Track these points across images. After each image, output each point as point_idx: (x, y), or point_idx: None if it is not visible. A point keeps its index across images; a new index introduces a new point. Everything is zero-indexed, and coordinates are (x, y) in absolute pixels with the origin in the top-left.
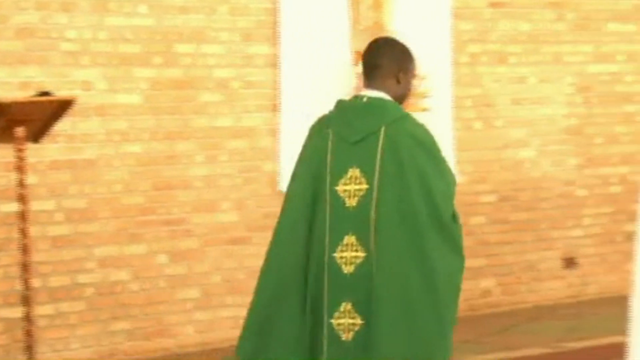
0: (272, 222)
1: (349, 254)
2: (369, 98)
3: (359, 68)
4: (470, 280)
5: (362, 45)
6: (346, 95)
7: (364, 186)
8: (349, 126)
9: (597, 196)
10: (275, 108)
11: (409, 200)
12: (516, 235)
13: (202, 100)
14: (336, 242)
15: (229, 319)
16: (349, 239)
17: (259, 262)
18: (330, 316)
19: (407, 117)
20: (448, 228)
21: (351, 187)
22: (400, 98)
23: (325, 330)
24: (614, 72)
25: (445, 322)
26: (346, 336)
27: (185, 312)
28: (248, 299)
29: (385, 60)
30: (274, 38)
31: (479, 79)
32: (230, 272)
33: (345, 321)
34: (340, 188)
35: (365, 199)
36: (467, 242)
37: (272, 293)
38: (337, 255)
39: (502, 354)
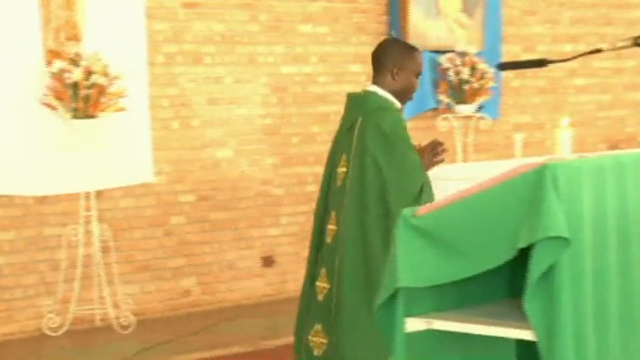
0: None
1: (330, 227)
2: (364, 91)
3: (52, 67)
4: (170, 280)
5: (54, 44)
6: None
7: (344, 169)
8: (344, 116)
9: (294, 195)
10: None
11: (363, 186)
12: (215, 234)
13: None
14: (328, 216)
15: None
16: (332, 214)
17: None
18: (315, 279)
19: (380, 110)
20: (393, 216)
21: (340, 169)
22: (399, 93)
23: (308, 292)
24: (307, 73)
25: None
26: (320, 297)
27: None
28: None
29: (382, 58)
30: None
31: (175, 79)
32: None
33: (322, 285)
34: (337, 170)
35: (344, 181)
36: (167, 242)
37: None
38: (326, 227)
39: (204, 354)
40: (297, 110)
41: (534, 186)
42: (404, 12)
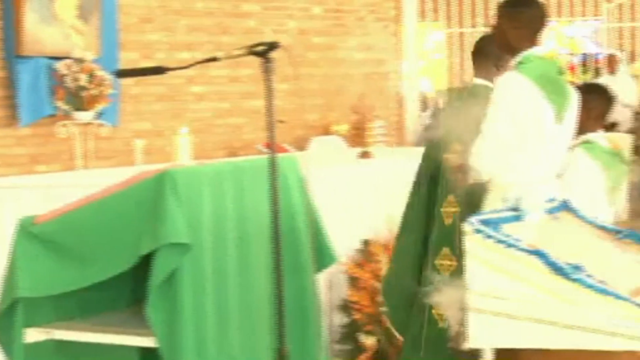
0: None
1: (449, 210)
2: (474, 85)
3: None
4: None
5: None
6: None
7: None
8: (459, 106)
9: None
10: None
11: None
12: None
13: None
14: (442, 201)
15: None
16: (449, 198)
17: None
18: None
19: None
20: None
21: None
22: None
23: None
24: None
25: None
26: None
27: None
28: None
29: (486, 52)
30: None
31: None
32: None
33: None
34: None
35: None
36: None
37: None
38: (441, 211)
39: None
40: None
41: (154, 193)
42: (17, 16)
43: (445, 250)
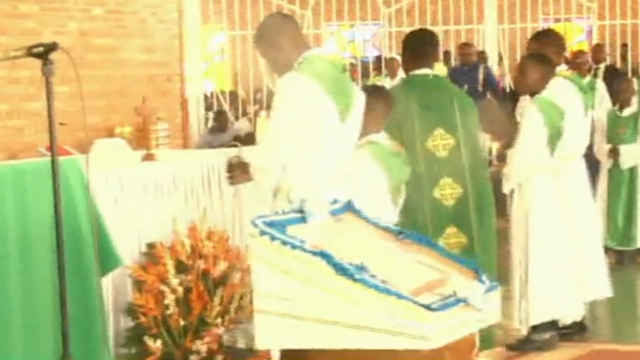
0: None
1: (448, 192)
2: (434, 76)
3: None
4: None
5: None
6: None
7: (448, 141)
8: (431, 95)
9: None
10: None
11: (475, 150)
12: None
13: None
14: (442, 183)
15: None
16: (447, 180)
17: None
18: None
19: (463, 92)
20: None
21: (440, 142)
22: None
23: None
24: None
25: None
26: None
27: None
28: None
29: (432, 47)
30: None
31: None
32: None
33: (455, 240)
34: (434, 143)
35: (453, 150)
36: None
37: None
38: (440, 194)
39: None
40: None
41: None
42: None
43: (451, 229)
